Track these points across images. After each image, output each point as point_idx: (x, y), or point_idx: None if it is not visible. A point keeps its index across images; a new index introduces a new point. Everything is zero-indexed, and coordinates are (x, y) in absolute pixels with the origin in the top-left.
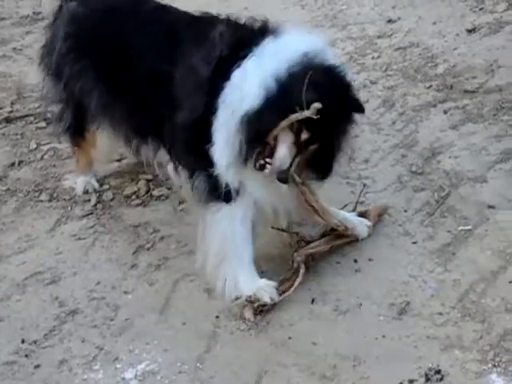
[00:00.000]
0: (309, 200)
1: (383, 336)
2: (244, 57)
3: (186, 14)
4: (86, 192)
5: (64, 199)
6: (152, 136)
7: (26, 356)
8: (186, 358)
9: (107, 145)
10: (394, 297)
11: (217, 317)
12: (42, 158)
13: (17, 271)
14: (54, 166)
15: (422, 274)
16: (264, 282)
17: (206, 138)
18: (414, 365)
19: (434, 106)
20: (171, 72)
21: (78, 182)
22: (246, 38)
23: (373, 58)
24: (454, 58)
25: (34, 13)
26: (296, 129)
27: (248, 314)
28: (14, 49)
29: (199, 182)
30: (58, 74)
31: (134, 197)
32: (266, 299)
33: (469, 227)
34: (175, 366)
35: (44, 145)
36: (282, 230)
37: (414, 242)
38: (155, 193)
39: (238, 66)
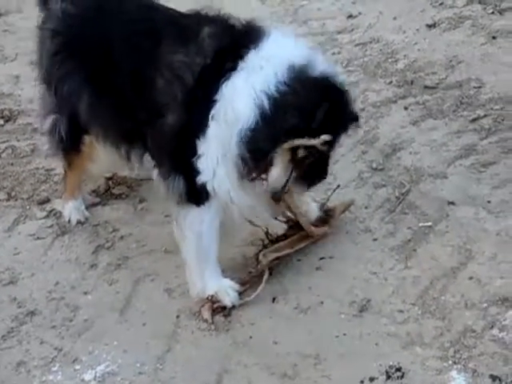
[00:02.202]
0: (286, 199)
1: (344, 334)
2: (231, 69)
3: (170, 11)
4: (79, 223)
5: (22, 198)
6: (137, 140)
7: None
8: (146, 358)
9: (107, 155)
10: (354, 294)
11: (177, 316)
12: None
13: None
14: (12, 164)
15: (383, 271)
16: (227, 282)
17: (187, 145)
18: (374, 362)
19: (395, 101)
20: (152, 75)
21: (67, 209)
22: (232, 44)
23: (333, 53)
24: (414, 54)
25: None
26: (291, 148)
27: (206, 313)
28: None
29: (173, 184)
30: (49, 80)
31: (93, 195)
32: (227, 302)
33: (429, 223)
34: (135, 366)
35: (2, 143)
36: (251, 222)
37: (375, 239)
38: (115, 191)
39: (227, 79)
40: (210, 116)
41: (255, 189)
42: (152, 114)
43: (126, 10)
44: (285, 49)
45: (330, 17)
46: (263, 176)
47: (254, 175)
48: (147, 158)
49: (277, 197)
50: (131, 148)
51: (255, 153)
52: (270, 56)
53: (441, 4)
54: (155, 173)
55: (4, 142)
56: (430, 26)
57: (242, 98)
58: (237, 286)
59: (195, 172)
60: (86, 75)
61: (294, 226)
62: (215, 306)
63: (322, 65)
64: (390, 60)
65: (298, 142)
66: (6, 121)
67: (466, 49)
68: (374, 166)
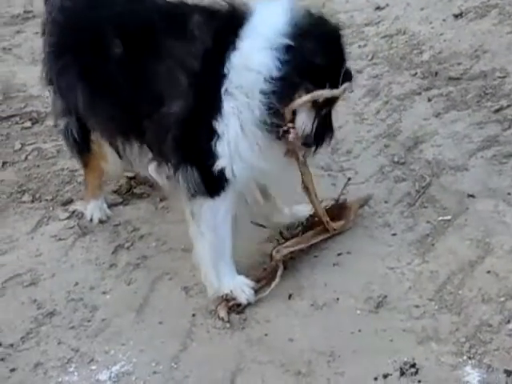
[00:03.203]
0: (306, 181)
1: (359, 330)
2: (234, 40)
3: (159, 3)
4: (101, 222)
5: (46, 200)
6: (135, 135)
7: (2, 359)
8: (161, 357)
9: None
10: (371, 290)
11: (193, 315)
12: (26, 158)
13: None
14: (38, 166)
15: (401, 266)
16: (242, 280)
17: (200, 131)
18: (389, 359)
19: (419, 93)
20: (150, 66)
21: (89, 209)
22: (224, 24)
23: (359, 46)
24: (439, 45)
25: (24, 11)
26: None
27: (222, 312)
28: (4, 48)
29: (184, 178)
30: (50, 77)
31: (115, 195)
32: (242, 300)
33: (448, 217)
34: (150, 366)
35: (29, 145)
36: (262, 226)
37: (394, 234)
38: (137, 191)
39: (233, 50)
40: (222, 91)
41: (280, 156)
42: (152, 105)
43: (118, 2)
44: (279, 11)
45: (358, 9)
46: (289, 125)
47: (283, 128)
48: (144, 153)
49: (309, 141)
50: (127, 143)
51: (281, 99)
52: (266, 19)
53: None
54: (151, 167)
55: (31, 143)
56: (456, 16)
57: (255, 53)
58: (252, 284)
59: (211, 159)
60: (81, 70)
61: (310, 224)
62: (231, 303)
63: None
64: (415, 51)
65: (321, 93)
66: (34, 123)
67: (492, 38)
68: (396, 159)
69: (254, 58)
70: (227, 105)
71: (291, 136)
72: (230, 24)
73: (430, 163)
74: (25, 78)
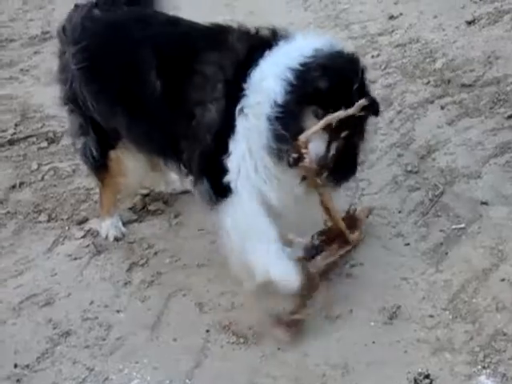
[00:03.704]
0: (325, 201)
1: (373, 342)
2: (259, 57)
3: (197, 25)
4: (116, 239)
5: (62, 219)
6: (171, 155)
7: (18, 381)
8: (175, 374)
9: (136, 169)
10: (385, 301)
11: (207, 331)
12: (42, 178)
13: (13, 295)
14: (55, 185)
15: (414, 276)
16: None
17: (216, 146)
18: (403, 370)
19: (432, 102)
20: (186, 81)
21: (104, 227)
22: (258, 44)
23: (372, 56)
24: (452, 52)
25: (42, 32)
26: (323, 116)
27: (280, 332)
28: (22, 70)
29: (206, 188)
30: (72, 99)
31: (130, 212)
32: (294, 279)
33: (462, 225)
34: (164, 383)
35: (45, 165)
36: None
37: (407, 244)
38: (151, 207)
39: (255, 66)
40: (238, 109)
41: (292, 184)
42: (187, 118)
43: (153, 24)
44: (309, 40)
45: (372, 19)
46: (303, 151)
47: (293, 155)
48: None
49: (323, 162)
50: (167, 161)
51: (289, 126)
52: (295, 45)
53: None
54: (190, 183)
55: (48, 163)
56: (469, 23)
57: (269, 76)
58: (297, 275)
59: (222, 172)
60: (117, 92)
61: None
62: (288, 319)
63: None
64: (428, 60)
65: (336, 114)
66: (50, 143)
67: (505, 44)
68: (409, 168)
69: (265, 81)
70: (240, 123)
71: (306, 161)
72: (261, 44)
73: (443, 171)
74: (42, 98)
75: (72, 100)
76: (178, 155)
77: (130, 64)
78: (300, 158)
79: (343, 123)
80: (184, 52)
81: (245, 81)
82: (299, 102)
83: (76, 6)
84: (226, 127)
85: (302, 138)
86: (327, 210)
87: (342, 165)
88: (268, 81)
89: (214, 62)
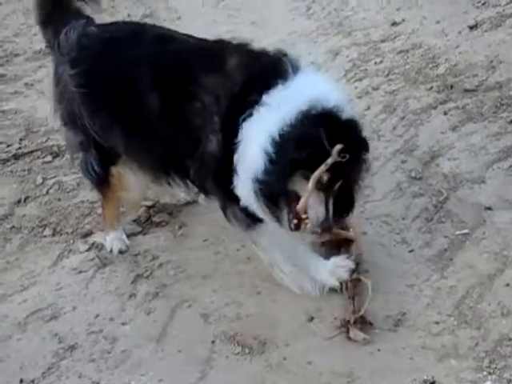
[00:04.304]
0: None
1: (378, 350)
2: (253, 103)
3: (193, 41)
4: (120, 252)
5: (67, 233)
6: (176, 172)
7: None
8: None
9: (137, 183)
10: (389, 308)
11: (212, 342)
12: (47, 192)
13: (18, 310)
14: (59, 199)
15: (418, 283)
16: (333, 260)
17: (227, 174)
18: (408, 377)
19: (435, 107)
20: (185, 108)
21: (109, 240)
22: (259, 76)
23: (375, 63)
24: (455, 57)
25: (46, 46)
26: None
27: (355, 333)
28: (26, 84)
29: (233, 212)
30: (71, 117)
31: (134, 225)
32: (344, 275)
33: (466, 231)
34: None
35: (50, 179)
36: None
37: (411, 250)
38: (155, 219)
39: (248, 117)
40: (236, 157)
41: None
42: (191, 143)
43: (146, 41)
44: (304, 92)
45: (375, 26)
46: (303, 216)
47: (294, 221)
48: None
49: (326, 226)
50: (172, 178)
51: (270, 199)
52: (288, 96)
53: (483, 4)
54: (200, 198)
55: (52, 177)
56: (471, 28)
57: (253, 145)
58: (346, 260)
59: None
60: (115, 112)
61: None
62: (354, 318)
63: (330, 102)
64: (430, 65)
65: (320, 168)
66: (55, 157)
67: (507, 48)
68: (413, 175)
69: (251, 145)
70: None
71: (308, 227)
72: (260, 78)
73: (447, 177)
74: (46, 112)
75: (71, 118)
76: (184, 172)
77: (126, 82)
78: (300, 223)
79: (334, 175)
80: (180, 72)
81: (239, 127)
82: (282, 171)
83: (71, 22)
84: (228, 160)
85: (300, 206)
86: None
87: (340, 205)
88: (252, 149)
89: (210, 89)
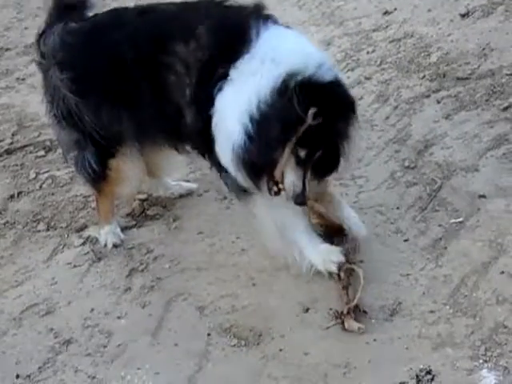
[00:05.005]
0: (316, 210)
1: (374, 340)
2: (223, 75)
3: (173, 8)
4: (115, 246)
5: (61, 227)
6: (179, 141)
7: None
8: (177, 379)
9: (134, 175)
10: (385, 298)
11: (208, 334)
12: (40, 187)
13: (13, 305)
14: (53, 194)
15: (414, 272)
16: (327, 247)
17: (211, 144)
18: (405, 367)
19: (428, 96)
20: (166, 78)
21: (103, 234)
22: (228, 41)
23: (368, 52)
24: (447, 45)
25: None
26: (292, 149)
27: (350, 324)
28: (18, 79)
29: (229, 181)
30: (64, 115)
31: (129, 218)
32: (334, 268)
33: (460, 219)
34: None
35: (43, 173)
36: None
37: (406, 240)
38: (149, 212)
39: (219, 90)
40: (213, 126)
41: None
42: (177, 115)
43: (127, 20)
44: (280, 53)
45: (366, 15)
46: (280, 186)
47: (274, 188)
48: None
49: (299, 201)
50: (180, 146)
51: (254, 167)
52: (257, 68)
53: None
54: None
55: (45, 172)
56: (463, 16)
57: (229, 116)
58: (340, 255)
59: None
60: (116, 97)
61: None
62: (347, 309)
63: (314, 67)
64: (423, 54)
65: (293, 138)
66: (47, 151)
67: (499, 36)
68: (407, 164)
69: (226, 115)
70: (218, 131)
71: (285, 197)
72: (231, 44)
73: (441, 166)
74: (38, 107)
75: (66, 116)
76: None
77: (117, 65)
78: (280, 191)
79: (311, 150)
80: (156, 43)
81: (212, 100)
82: (265, 146)
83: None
84: (207, 132)
85: (277, 172)
86: (319, 214)
87: (323, 165)
88: (230, 121)
89: (180, 57)
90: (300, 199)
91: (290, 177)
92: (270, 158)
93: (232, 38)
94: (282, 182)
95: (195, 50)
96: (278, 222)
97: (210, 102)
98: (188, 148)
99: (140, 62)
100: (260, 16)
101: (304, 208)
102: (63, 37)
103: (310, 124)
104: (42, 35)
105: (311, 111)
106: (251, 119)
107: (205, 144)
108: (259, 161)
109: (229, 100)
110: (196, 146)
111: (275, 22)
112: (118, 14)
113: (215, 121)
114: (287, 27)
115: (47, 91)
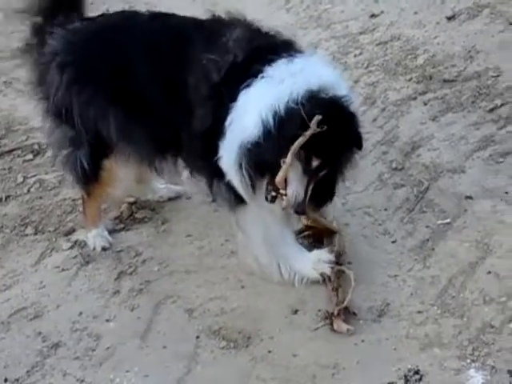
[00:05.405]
0: (312, 220)
1: (362, 340)
2: (256, 73)
3: (191, 18)
4: (103, 249)
5: (49, 231)
6: (171, 150)
7: None
8: (166, 381)
9: (126, 176)
10: (373, 299)
11: (197, 337)
12: (28, 190)
13: (1, 309)
14: (41, 197)
15: (401, 273)
16: (315, 253)
17: (215, 145)
18: (393, 367)
19: (414, 98)
20: (184, 79)
21: (91, 237)
22: (265, 47)
23: (355, 55)
24: (433, 48)
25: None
26: (304, 157)
27: (339, 325)
28: (5, 82)
29: (219, 189)
30: (61, 113)
31: (117, 221)
32: (326, 270)
33: (447, 220)
34: None
35: (31, 177)
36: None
37: (394, 241)
38: (138, 215)
39: (247, 86)
40: (227, 122)
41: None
42: (186, 117)
43: (140, 22)
44: (311, 69)
45: (353, 18)
46: (282, 192)
47: (271, 193)
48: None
49: (300, 210)
50: (163, 159)
51: (257, 166)
52: (295, 71)
53: None
54: (184, 175)
55: (33, 176)
56: (449, 18)
57: (250, 111)
58: (330, 255)
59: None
60: (110, 97)
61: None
62: (341, 308)
63: (337, 90)
64: (409, 56)
65: (300, 139)
66: (35, 155)
67: (484, 38)
68: (394, 165)
69: (247, 111)
70: (228, 136)
71: (283, 204)
72: (269, 49)
73: (428, 167)
74: (26, 110)
75: (60, 113)
76: (177, 149)
77: (121, 67)
78: (277, 197)
79: (323, 162)
80: (180, 46)
81: (237, 93)
82: (279, 144)
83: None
84: (217, 128)
85: (279, 178)
86: (316, 223)
87: (319, 194)
88: (249, 116)
89: (209, 58)
90: (300, 208)
91: (295, 184)
92: (277, 159)
93: (270, 46)
94: (284, 188)
95: (224, 52)
96: (267, 235)
97: (232, 96)
98: (170, 161)
99: (153, 62)
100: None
101: (293, 217)
102: (66, 35)
103: (315, 131)
104: (40, 33)
105: (316, 118)
106: (273, 115)
107: (203, 147)
108: (267, 158)
109: (254, 95)
110: (191, 152)
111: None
112: (128, 16)
113: (232, 116)
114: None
115: (43, 89)
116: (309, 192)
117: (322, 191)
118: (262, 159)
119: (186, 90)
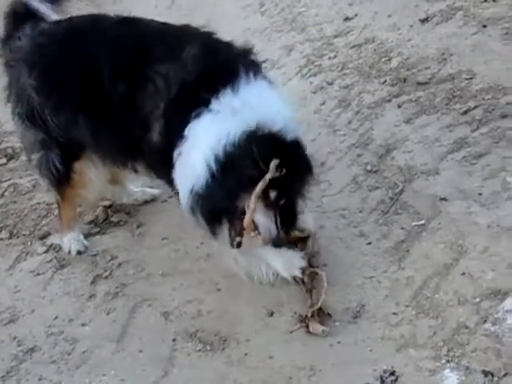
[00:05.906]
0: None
1: (338, 342)
2: (203, 103)
3: (157, 25)
4: (79, 253)
5: (24, 235)
6: (139, 156)
7: None
8: None
9: (98, 179)
10: (348, 301)
11: (174, 340)
12: (2, 195)
13: None
14: (15, 202)
15: (377, 275)
16: (289, 253)
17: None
18: (369, 368)
19: (389, 101)
20: (141, 89)
21: (66, 241)
22: (215, 71)
23: (329, 58)
24: (407, 50)
25: None
26: (262, 194)
27: (315, 327)
28: None
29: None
30: (32, 116)
31: (92, 225)
32: (297, 273)
33: (422, 222)
34: None
35: (5, 181)
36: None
37: (369, 243)
38: (113, 219)
39: (196, 117)
40: (176, 153)
41: None
42: (142, 128)
43: (106, 28)
44: (253, 101)
45: (328, 21)
46: (252, 234)
47: (237, 239)
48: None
49: (277, 240)
50: (136, 161)
51: (216, 214)
52: (237, 107)
53: None
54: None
55: (7, 180)
56: (423, 21)
57: (196, 154)
58: (301, 260)
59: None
60: (78, 101)
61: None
62: (312, 312)
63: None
64: (383, 59)
65: (260, 185)
66: (9, 159)
67: (458, 40)
68: (369, 168)
69: (193, 152)
70: (178, 167)
71: (260, 243)
72: (217, 75)
73: (402, 169)
74: None
75: (30, 116)
76: (142, 158)
77: (87, 71)
78: (241, 242)
79: (280, 193)
80: (139, 56)
81: (185, 124)
82: (228, 189)
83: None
84: (168, 152)
85: (246, 223)
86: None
87: (285, 218)
88: (195, 159)
89: (163, 74)
90: (277, 239)
91: (264, 222)
92: (233, 206)
93: (220, 70)
94: (253, 230)
95: (179, 68)
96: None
97: (180, 122)
98: (142, 165)
99: (115, 70)
100: (249, 61)
101: None
102: (35, 37)
103: (274, 175)
104: (10, 36)
105: (273, 163)
106: (215, 159)
107: (161, 164)
108: (220, 205)
109: (201, 131)
110: (153, 164)
111: (261, 71)
112: (95, 19)
113: (180, 149)
114: (270, 81)
115: (14, 91)
116: (278, 223)
117: (287, 215)
118: (216, 207)
119: (142, 102)
